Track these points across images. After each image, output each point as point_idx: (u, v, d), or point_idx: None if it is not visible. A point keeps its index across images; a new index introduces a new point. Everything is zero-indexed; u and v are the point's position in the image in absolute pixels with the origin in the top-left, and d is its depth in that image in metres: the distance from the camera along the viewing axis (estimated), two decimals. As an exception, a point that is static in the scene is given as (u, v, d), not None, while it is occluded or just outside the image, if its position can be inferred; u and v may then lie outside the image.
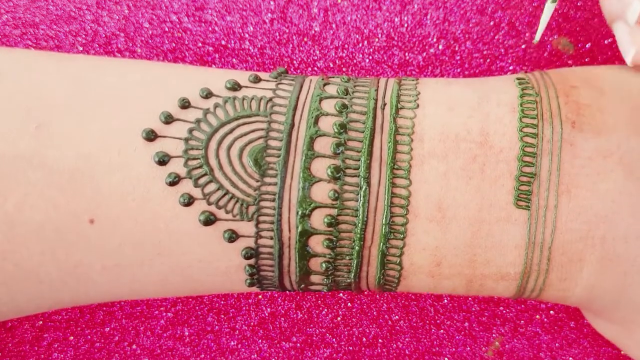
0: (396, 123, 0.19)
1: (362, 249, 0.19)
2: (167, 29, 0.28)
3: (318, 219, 0.19)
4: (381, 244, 0.19)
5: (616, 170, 0.19)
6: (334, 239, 0.19)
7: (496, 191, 0.19)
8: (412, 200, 0.19)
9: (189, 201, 0.19)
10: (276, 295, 0.27)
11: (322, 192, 0.19)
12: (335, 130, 0.19)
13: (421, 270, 0.20)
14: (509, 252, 0.19)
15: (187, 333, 0.27)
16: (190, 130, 0.19)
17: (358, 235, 0.19)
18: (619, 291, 0.19)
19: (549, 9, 0.18)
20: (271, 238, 0.19)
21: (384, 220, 0.19)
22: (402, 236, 0.19)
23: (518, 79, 0.21)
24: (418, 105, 0.20)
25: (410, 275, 0.20)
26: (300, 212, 0.19)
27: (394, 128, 0.19)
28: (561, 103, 0.19)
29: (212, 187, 0.19)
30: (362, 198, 0.19)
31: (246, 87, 0.20)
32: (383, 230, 0.19)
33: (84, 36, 0.28)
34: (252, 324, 0.27)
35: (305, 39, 0.28)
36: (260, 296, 0.27)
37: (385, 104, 0.20)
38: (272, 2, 0.28)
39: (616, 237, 0.19)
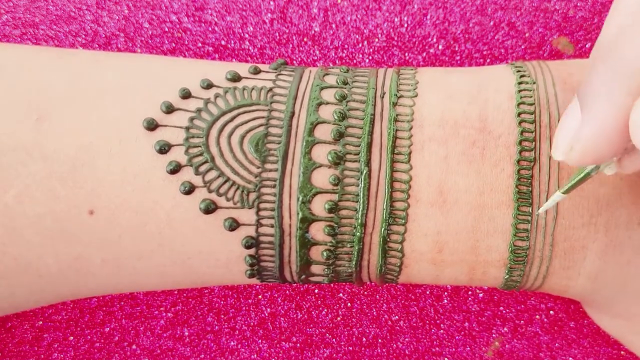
0: (396, 110, 0.19)
1: (363, 235, 0.19)
2: (167, 29, 0.28)
3: (319, 205, 0.19)
4: (382, 229, 0.19)
5: None
6: (335, 225, 0.19)
7: (497, 175, 0.19)
8: (413, 185, 0.19)
9: (189, 189, 0.19)
10: (276, 295, 0.27)
11: (322, 177, 0.19)
12: (336, 117, 0.19)
13: (423, 257, 0.19)
14: (511, 238, 0.19)
15: (187, 333, 0.27)
16: (191, 119, 0.19)
17: (359, 221, 0.19)
18: (623, 281, 0.19)
19: (556, 197, 0.18)
20: (272, 226, 0.19)
21: (384, 204, 0.19)
22: (403, 221, 0.19)
23: (515, 66, 0.21)
24: (417, 94, 0.20)
25: (412, 262, 0.20)
26: (300, 198, 0.19)
27: (394, 115, 0.19)
28: (558, 90, 0.20)
29: (212, 174, 0.19)
30: (362, 182, 0.19)
31: (246, 78, 0.20)
32: (384, 215, 0.19)
33: (84, 36, 0.28)
34: (252, 324, 0.27)
35: (305, 39, 0.28)
36: (260, 296, 0.27)
37: (384, 93, 0.20)
38: (272, 2, 0.28)
39: (619, 224, 0.19)
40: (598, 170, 0.17)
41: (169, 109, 0.19)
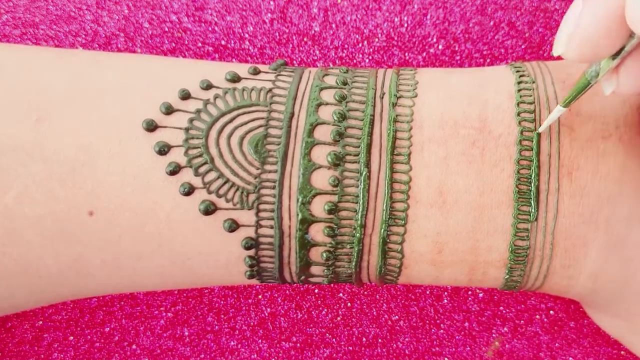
0: (395, 111, 0.19)
1: (362, 236, 0.19)
2: (167, 29, 0.28)
3: (318, 207, 0.19)
4: (382, 230, 0.19)
5: (616, 150, 0.19)
6: (335, 226, 0.19)
7: (497, 175, 0.19)
8: (412, 186, 0.19)
9: (189, 190, 0.19)
10: (276, 295, 0.27)
11: (322, 178, 0.19)
12: (335, 118, 0.19)
13: (423, 258, 0.19)
14: (511, 238, 0.19)
15: (187, 333, 0.27)
16: (191, 120, 0.19)
17: (359, 222, 0.19)
18: (623, 280, 0.19)
19: (556, 112, 0.18)
20: (271, 227, 0.19)
21: (384, 205, 0.19)
22: (402, 222, 0.19)
23: (515, 67, 0.21)
24: (417, 94, 0.20)
25: (412, 263, 0.20)
26: (300, 199, 0.19)
27: (393, 116, 0.19)
28: (557, 89, 0.20)
29: (212, 175, 0.19)
30: (362, 183, 0.19)
31: (246, 78, 0.20)
32: (383, 216, 0.19)
33: (84, 36, 0.28)
34: (252, 324, 0.27)
35: (305, 39, 0.28)
36: (260, 296, 0.27)
37: (384, 94, 0.20)
38: (272, 2, 0.28)
39: (620, 220, 0.19)
40: (597, 80, 0.16)
41: (169, 110, 0.19)
